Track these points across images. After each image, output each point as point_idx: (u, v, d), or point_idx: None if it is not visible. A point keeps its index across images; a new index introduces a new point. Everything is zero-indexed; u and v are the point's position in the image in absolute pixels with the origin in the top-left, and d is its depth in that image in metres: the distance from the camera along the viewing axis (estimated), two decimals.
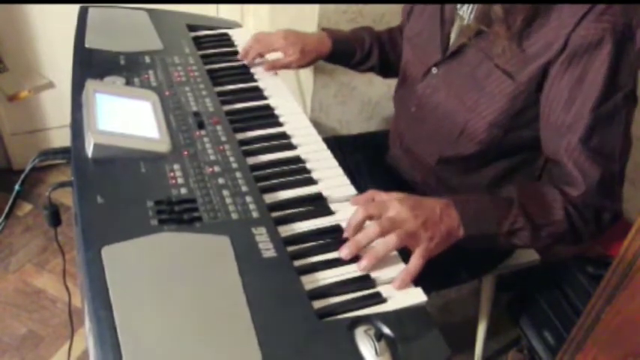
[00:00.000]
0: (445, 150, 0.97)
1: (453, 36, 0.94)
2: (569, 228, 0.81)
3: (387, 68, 1.21)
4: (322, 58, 1.15)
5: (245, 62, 1.13)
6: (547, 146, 0.86)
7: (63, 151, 0.88)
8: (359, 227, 0.73)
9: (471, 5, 0.89)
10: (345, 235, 0.74)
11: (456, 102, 0.92)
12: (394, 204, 0.74)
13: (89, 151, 0.76)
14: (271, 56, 1.14)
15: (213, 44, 1.18)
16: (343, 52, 1.16)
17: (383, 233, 0.71)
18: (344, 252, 0.71)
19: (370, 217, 0.74)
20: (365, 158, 1.22)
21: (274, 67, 1.12)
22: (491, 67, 0.86)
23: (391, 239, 0.71)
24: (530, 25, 0.81)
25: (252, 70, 1.12)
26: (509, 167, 0.97)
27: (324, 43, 1.13)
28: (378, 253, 0.70)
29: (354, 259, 0.71)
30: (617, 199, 0.84)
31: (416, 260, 0.72)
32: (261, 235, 0.69)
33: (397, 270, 0.71)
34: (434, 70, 0.97)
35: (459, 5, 0.92)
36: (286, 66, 1.13)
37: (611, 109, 0.79)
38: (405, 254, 0.73)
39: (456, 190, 1.01)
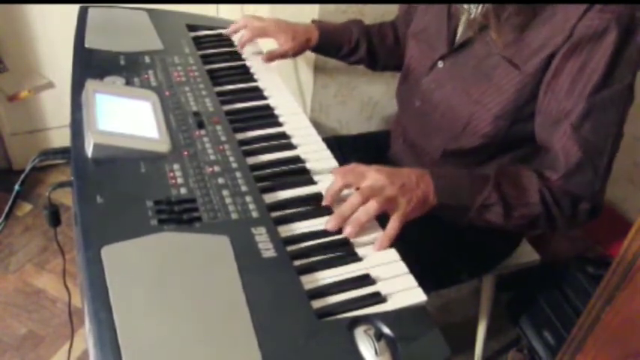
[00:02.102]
0: (450, 143, 0.98)
1: (459, 30, 0.95)
2: (543, 212, 0.82)
3: (374, 61, 1.24)
4: (309, 48, 1.18)
5: (235, 42, 1.17)
6: (541, 133, 0.87)
7: (63, 151, 0.88)
8: (336, 195, 0.78)
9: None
10: (324, 202, 0.78)
11: (462, 95, 0.93)
12: (371, 173, 0.79)
13: (89, 151, 0.76)
14: (265, 46, 1.17)
15: (213, 44, 1.18)
16: (329, 44, 1.19)
17: (364, 201, 0.75)
18: (330, 224, 0.75)
19: (347, 186, 0.78)
20: (365, 158, 1.21)
21: (271, 57, 1.14)
22: (498, 58, 0.87)
23: (371, 205, 0.75)
24: (526, 20, 0.83)
25: (252, 70, 1.11)
26: (514, 161, 0.97)
27: (312, 33, 1.16)
28: (360, 220, 0.74)
29: (353, 256, 0.72)
30: (598, 192, 0.84)
31: (393, 223, 0.76)
32: (260, 235, 0.69)
33: (397, 269, 0.71)
34: (440, 64, 0.98)
35: None
36: (283, 55, 1.15)
37: (607, 98, 0.79)
38: (404, 252, 0.73)
39: None
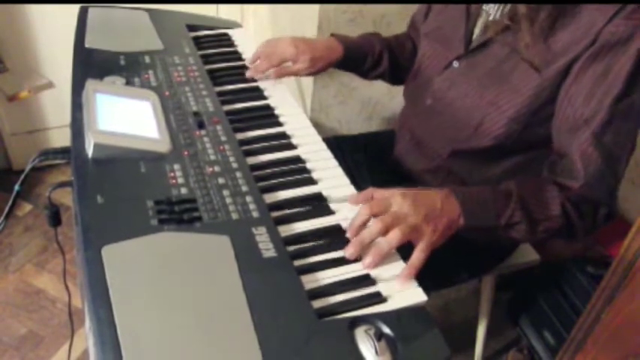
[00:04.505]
0: (459, 143, 0.97)
1: (476, 30, 0.95)
2: (565, 223, 0.82)
3: (397, 74, 1.19)
4: (333, 65, 1.11)
5: (255, 78, 1.08)
6: (558, 139, 0.86)
7: (63, 151, 0.89)
8: (362, 227, 0.73)
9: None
10: (348, 234, 0.74)
11: (476, 96, 0.92)
12: (396, 199, 0.75)
13: (89, 151, 0.76)
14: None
15: (213, 44, 1.18)
16: (354, 58, 1.13)
17: (386, 230, 0.71)
18: (349, 251, 0.71)
19: (374, 216, 0.73)
20: (365, 158, 1.22)
21: (282, 74, 1.08)
22: (517, 60, 0.87)
23: (395, 235, 0.71)
24: (554, 23, 0.82)
25: None
26: (521, 163, 0.96)
27: (335, 49, 1.09)
28: (382, 250, 0.71)
29: (356, 258, 0.71)
30: (615, 197, 0.84)
31: (419, 254, 0.73)
32: (261, 234, 0.69)
33: (396, 268, 0.71)
34: (455, 64, 0.97)
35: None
36: (295, 73, 1.09)
37: (629, 106, 0.79)
38: (404, 252, 0.73)
39: (465, 185, 1.01)
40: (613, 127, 0.80)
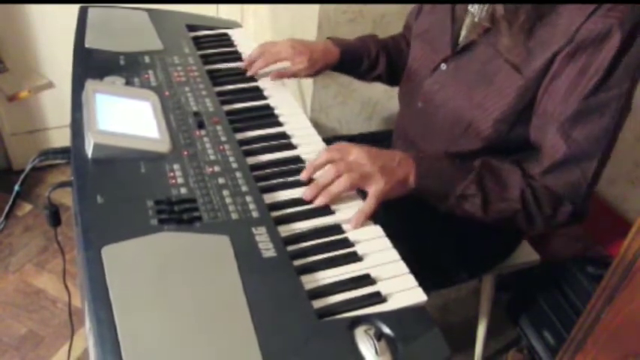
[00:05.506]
0: (451, 145, 0.97)
1: (463, 32, 0.95)
2: (521, 209, 0.84)
3: (394, 75, 1.19)
4: (329, 67, 1.12)
5: (248, 74, 1.08)
6: (535, 133, 0.87)
7: (63, 151, 0.89)
8: (317, 169, 0.81)
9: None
10: (303, 175, 0.82)
11: (464, 98, 0.93)
12: (355, 150, 0.81)
13: (89, 151, 0.76)
14: (277, 65, 1.11)
15: (213, 44, 1.18)
16: (351, 61, 1.14)
17: (338, 175, 0.78)
18: (306, 193, 0.79)
19: (331, 161, 0.80)
20: None
21: (282, 76, 1.09)
22: (500, 62, 0.87)
23: (344, 179, 0.78)
24: (534, 24, 0.82)
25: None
26: None
27: (332, 52, 1.11)
28: (331, 191, 0.78)
29: (353, 256, 0.72)
30: (584, 197, 0.85)
31: (369, 200, 0.78)
32: (261, 234, 0.70)
33: (397, 269, 0.71)
34: (443, 66, 0.97)
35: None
36: (294, 75, 1.10)
37: (602, 102, 0.79)
38: (404, 252, 0.73)
39: None
40: (583, 122, 0.80)
